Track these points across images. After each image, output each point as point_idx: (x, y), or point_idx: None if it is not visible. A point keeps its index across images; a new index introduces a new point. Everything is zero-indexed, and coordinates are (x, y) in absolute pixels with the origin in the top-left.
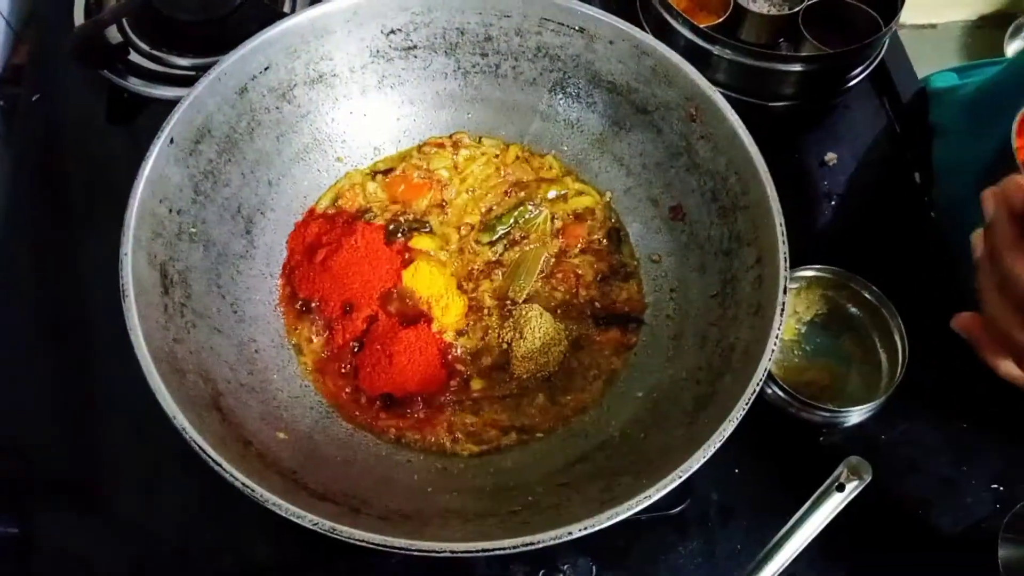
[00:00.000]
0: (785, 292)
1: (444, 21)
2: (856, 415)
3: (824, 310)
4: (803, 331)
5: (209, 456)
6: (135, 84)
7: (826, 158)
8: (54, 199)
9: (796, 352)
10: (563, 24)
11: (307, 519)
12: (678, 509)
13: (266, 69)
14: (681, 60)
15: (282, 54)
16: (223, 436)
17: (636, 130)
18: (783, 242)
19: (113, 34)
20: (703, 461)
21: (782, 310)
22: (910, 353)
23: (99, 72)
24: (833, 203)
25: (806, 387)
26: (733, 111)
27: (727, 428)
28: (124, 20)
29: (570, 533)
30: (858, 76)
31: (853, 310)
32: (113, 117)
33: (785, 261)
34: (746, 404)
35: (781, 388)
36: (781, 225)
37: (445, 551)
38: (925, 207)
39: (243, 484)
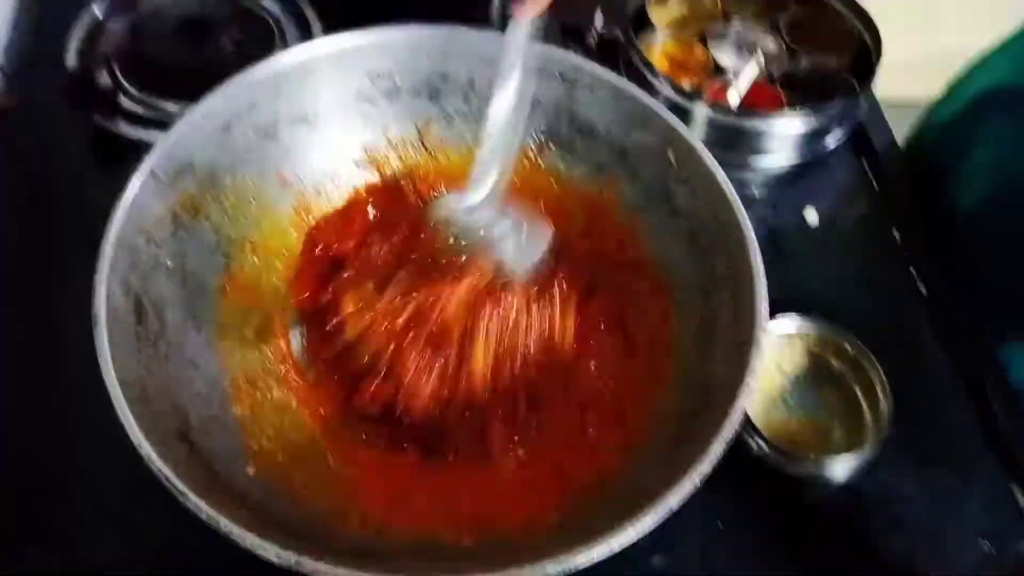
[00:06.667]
0: (763, 330)
1: (428, 67)
2: (840, 468)
3: (807, 364)
4: (786, 385)
5: (173, 485)
6: (124, 128)
7: (804, 213)
8: (34, 238)
9: (779, 406)
10: (544, 70)
11: (272, 551)
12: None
13: (250, 108)
14: (658, 104)
15: (267, 93)
16: (189, 468)
17: (615, 175)
18: (761, 283)
19: (103, 79)
20: (681, 499)
21: (759, 348)
22: (895, 408)
23: (88, 115)
24: (813, 258)
25: (790, 441)
26: (710, 154)
27: (704, 467)
28: (114, 64)
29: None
30: (837, 139)
31: (836, 364)
32: (100, 160)
33: (763, 299)
34: (725, 440)
35: (764, 440)
36: (759, 266)
37: None
38: (905, 263)
39: (208, 515)
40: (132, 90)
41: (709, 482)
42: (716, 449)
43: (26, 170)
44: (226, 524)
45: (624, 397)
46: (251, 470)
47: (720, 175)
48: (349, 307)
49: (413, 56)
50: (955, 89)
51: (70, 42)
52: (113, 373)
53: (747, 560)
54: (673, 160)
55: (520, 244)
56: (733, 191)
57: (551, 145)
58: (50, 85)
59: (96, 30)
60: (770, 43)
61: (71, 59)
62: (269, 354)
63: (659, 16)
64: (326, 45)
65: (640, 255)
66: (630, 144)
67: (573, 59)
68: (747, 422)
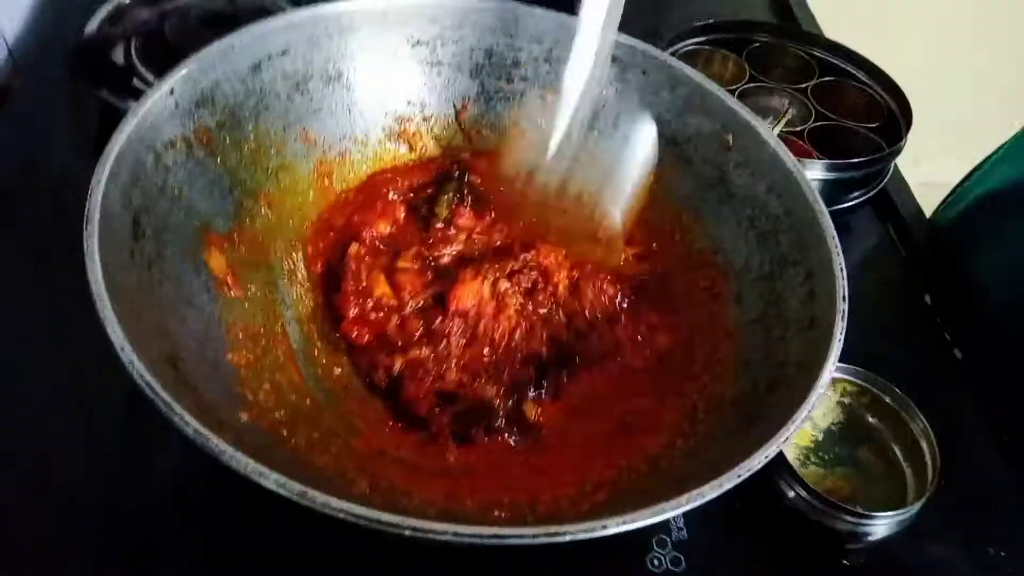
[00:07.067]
0: (845, 300)
1: (473, 40)
2: (883, 526)
3: (841, 418)
4: (819, 439)
5: (159, 395)
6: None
7: None
8: (35, 213)
9: (812, 459)
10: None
11: (271, 479)
12: None
13: (283, 52)
14: (717, 88)
15: (303, 42)
16: (177, 393)
17: (666, 163)
18: (838, 253)
19: (118, 58)
20: (764, 462)
21: (843, 316)
22: (941, 470)
23: (96, 92)
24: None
25: (827, 495)
26: (772, 134)
27: (790, 429)
28: (132, 46)
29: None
30: (859, 197)
31: (872, 420)
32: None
33: (842, 271)
34: (811, 407)
35: (805, 487)
36: (834, 237)
37: (447, 533)
38: (937, 328)
39: (195, 431)
40: (147, 75)
41: (737, 532)
42: (800, 416)
43: (31, 145)
44: (218, 444)
45: (675, 384)
46: (245, 416)
47: (785, 154)
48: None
49: (458, 27)
50: (962, 190)
51: (91, 20)
52: (99, 273)
53: None
54: (732, 144)
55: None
56: (800, 168)
57: (595, 134)
58: (62, 63)
59: (120, 13)
60: (797, 106)
61: (89, 31)
62: (272, 313)
63: None
64: (370, 1)
65: (693, 244)
66: (684, 130)
67: (626, 40)
68: (786, 469)
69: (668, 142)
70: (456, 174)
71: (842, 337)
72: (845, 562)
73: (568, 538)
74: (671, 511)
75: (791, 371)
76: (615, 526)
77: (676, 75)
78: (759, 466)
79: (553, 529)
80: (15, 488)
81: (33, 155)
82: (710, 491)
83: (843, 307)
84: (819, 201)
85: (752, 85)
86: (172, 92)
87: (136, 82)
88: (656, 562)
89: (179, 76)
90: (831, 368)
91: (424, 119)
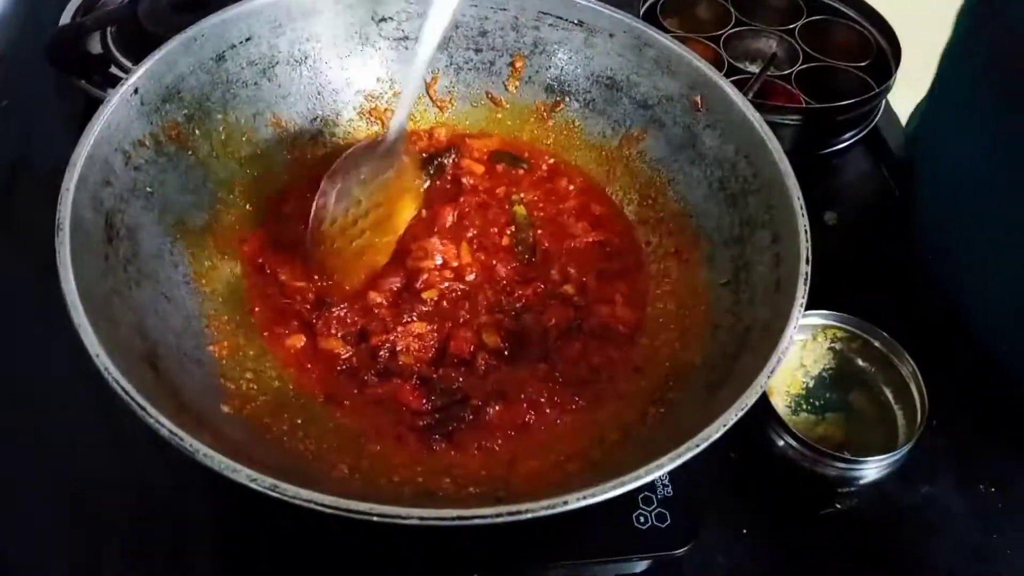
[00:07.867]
0: (808, 263)
1: None
2: (873, 469)
3: (832, 364)
4: (811, 385)
5: (132, 399)
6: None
7: (825, 217)
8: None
9: (805, 407)
10: (561, 18)
11: (243, 474)
12: (682, 550)
13: (247, 40)
14: (684, 49)
15: (266, 27)
16: (155, 393)
17: (637, 127)
18: (803, 215)
19: (95, 47)
20: (723, 431)
21: (806, 280)
22: (929, 411)
23: (75, 81)
24: (833, 257)
25: (819, 443)
26: (740, 95)
27: (749, 398)
28: (108, 34)
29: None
30: (852, 137)
31: (863, 364)
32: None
33: (806, 233)
34: (770, 372)
35: (793, 436)
36: (799, 199)
37: (412, 517)
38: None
39: (170, 432)
40: (125, 61)
41: (727, 483)
42: (761, 381)
43: (19, 135)
44: (191, 443)
45: (645, 354)
46: (226, 408)
47: (752, 114)
48: None
49: (422, 0)
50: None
51: (65, 10)
52: (72, 281)
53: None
54: (700, 105)
55: None
56: (767, 128)
57: (567, 99)
58: (40, 53)
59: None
60: (785, 48)
61: (63, 21)
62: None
63: (672, 21)
64: None
65: (666, 208)
66: (653, 92)
67: (591, 4)
68: (774, 418)
69: (639, 105)
70: (448, 157)
71: (804, 302)
72: (838, 505)
73: (529, 516)
74: (630, 483)
75: (756, 335)
76: (575, 502)
77: (642, 37)
78: (718, 435)
79: (514, 508)
80: (14, 485)
81: (23, 145)
82: (668, 462)
83: (806, 270)
84: (784, 161)
85: (738, 29)
86: (136, 91)
87: (114, 69)
88: (642, 519)
89: (142, 74)
90: (792, 333)
91: (395, 95)
